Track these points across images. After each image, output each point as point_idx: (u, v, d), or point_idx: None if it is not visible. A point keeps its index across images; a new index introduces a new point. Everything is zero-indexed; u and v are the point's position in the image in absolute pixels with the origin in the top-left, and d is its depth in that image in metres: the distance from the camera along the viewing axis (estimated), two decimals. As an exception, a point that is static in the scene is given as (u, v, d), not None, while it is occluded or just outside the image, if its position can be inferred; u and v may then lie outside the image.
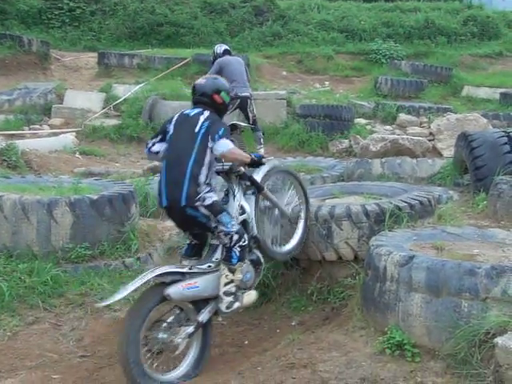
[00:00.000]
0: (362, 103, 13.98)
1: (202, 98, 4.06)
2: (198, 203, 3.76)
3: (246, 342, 4.38)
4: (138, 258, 5.15)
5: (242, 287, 3.96)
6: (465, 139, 6.92)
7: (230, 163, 4.01)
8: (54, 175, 7.05)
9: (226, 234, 3.84)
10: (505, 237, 4.16)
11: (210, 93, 4.06)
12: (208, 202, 3.79)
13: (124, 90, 13.85)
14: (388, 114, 13.47)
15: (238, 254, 3.87)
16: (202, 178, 3.81)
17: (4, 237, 4.83)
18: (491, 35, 20.40)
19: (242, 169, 4.10)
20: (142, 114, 12.39)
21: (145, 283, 3.64)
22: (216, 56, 9.74)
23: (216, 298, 3.88)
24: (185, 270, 3.80)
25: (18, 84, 14.22)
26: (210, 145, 3.83)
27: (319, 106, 12.25)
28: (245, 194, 4.16)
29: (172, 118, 4.09)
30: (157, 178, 7.62)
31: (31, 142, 10.35)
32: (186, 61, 15.87)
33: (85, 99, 13.42)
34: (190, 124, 3.93)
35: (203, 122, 3.90)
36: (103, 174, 8.85)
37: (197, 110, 4.02)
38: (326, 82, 16.97)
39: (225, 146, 3.83)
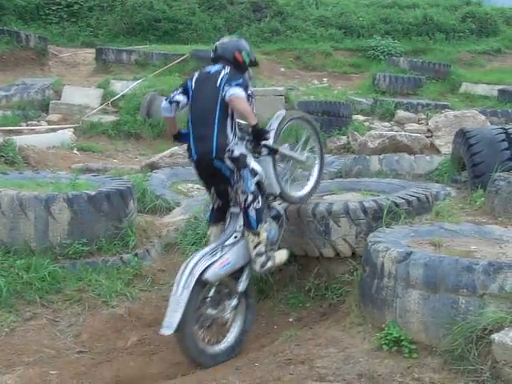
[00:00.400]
0: (360, 100, 13.99)
1: (224, 55, 4.17)
2: (226, 154, 3.91)
3: (244, 338, 4.38)
4: (136, 254, 5.15)
5: (270, 244, 4.16)
6: (463, 136, 6.93)
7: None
8: (52, 171, 7.02)
9: (243, 191, 4.01)
10: (502, 233, 4.16)
11: (232, 50, 4.18)
12: (236, 154, 3.96)
13: (122, 86, 13.83)
14: (386, 111, 13.48)
15: (255, 216, 4.03)
16: (229, 129, 3.95)
17: (1, 232, 4.82)
18: (489, 32, 20.43)
19: (248, 137, 4.09)
20: (139, 110, 12.38)
21: (192, 289, 3.77)
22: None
23: (249, 263, 4.09)
24: (217, 256, 3.94)
25: (15, 80, 14.20)
26: (225, 89, 3.91)
27: (317, 102, 12.24)
28: (260, 155, 4.22)
29: (193, 76, 4.20)
30: (154, 174, 7.66)
31: (29, 138, 10.34)
32: (184, 57, 15.85)
33: (82, 95, 13.39)
34: (211, 80, 4.04)
35: (223, 76, 4.00)
36: (101, 170, 8.84)
37: (217, 67, 4.12)
38: (324, 79, 16.97)
39: (237, 92, 3.88)
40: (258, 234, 4.04)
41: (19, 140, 9.47)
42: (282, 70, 17.24)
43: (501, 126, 7.70)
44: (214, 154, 3.91)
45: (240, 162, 3.98)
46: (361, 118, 13.06)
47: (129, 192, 5.34)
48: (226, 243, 4.08)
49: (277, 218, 4.36)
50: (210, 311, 3.95)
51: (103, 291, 4.70)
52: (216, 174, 4.02)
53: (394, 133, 10.48)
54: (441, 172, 7.75)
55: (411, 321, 3.43)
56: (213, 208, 4.30)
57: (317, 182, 4.75)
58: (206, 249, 4.04)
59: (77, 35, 18.83)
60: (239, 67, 4.17)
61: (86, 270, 4.82)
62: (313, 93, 14.16)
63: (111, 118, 12.59)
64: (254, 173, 4.10)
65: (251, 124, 3.96)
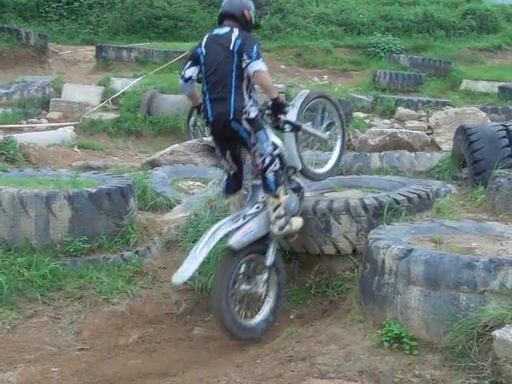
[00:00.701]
0: (361, 97, 13.98)
1: (232, 11, 4.15)
2: (243, 116, 3.99)
3: (245, 335, 4.39)
4: (137, 252, 5.14)
5: (290, 213, 4.26)
6: (463, 133, 6.92)
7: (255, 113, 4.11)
8: (53, 169, 7.04)
9: (261, 154, 4.09)
10: (503, 230, 4.16)
11: (240, 7, 4.17)
12: (252, 115, 4.03)
13: (122, 84, 13.84)
14: (386, 108, 13.49)
15: (273, 179, 4.13)
16: (245, 91, 4.02)
17: (2, 230, 4.82)
18: (490, 29, 20.41)
19: (268, 111, 4.18)
20: (140, 108, 12.39)
21: (211, 249, 4.01)
22: None
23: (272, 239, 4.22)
24: (239, 223, 4.09)
25: (15, 77, 14.20)
26: (246, 60, 3.94)
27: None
28: (283, 131, 4.31)
29: (200, 43, 4.19)
30: (155, 171, 7.66)
31: (29, 136, 10.34)
32: (184, 54, 15.80)
33: (83, 93, 13.40)
34: (222, 42, 4.05)
35: (236, 40, 4.01)
36: (101, 168, 8.85)
37: (226, 29, 4.11)
38: (325, 76, 16.96)
39: (261, 68, 3.97)
40: (277, 196, 4.14)
41: (20, 138, 9.47)
42: (283, 67, 17.24)
43: (501, 122, 7.69)
44: (231, 115, 3.98)
45: (256, 124, 4.06)
46: (361, 115, 13.06)
47: (129, 189, 5.33)
48: (248, 213, 4.19)
49: (297, 190, 4.45)
50: (244, 287, 4.12)
51: (104, 288, 4.70)
52: (233, 136, 4.10)
53: (394, 130, 10.49)
54: (441, 169, 7.73)
55: (412, 317, 3.43)
56: (228, 176, 4.37)
57: (338, 160, 4.92)
58: (228, 218, 4.17)
59: (77, 33, 18.84)
60: (246, 26, 4.18)
61: (87, 267, 4.82)
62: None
63: (111, 115, 12.59)
64: (274, 146, 4.18)
65: (272, 97, 4.05)
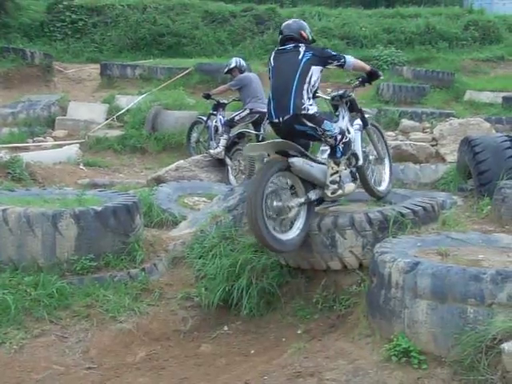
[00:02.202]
0: (365, 109, 13.96)
1: (291, 34, 4.71)
2: (303, 112, 4.43)
3: (253, 352, 4.37)
4: (143, 269, 5.15)
5: (343, 183, 4.67)
6: (468, 144, 6.92)
7: (342, 91, 4.86)
8: (59, 187, 7.06)
9: (331, 136, 4.56)
10: (510, 241, 4.15)
11: (298, 30, 4.75)
12: (311, 111, 4.48)
13: (127, 101, 13.91)
14: (390, 120, 13.47)
15: (341, 149, 4.63)
16: (305, 93, 4.48)
17: (9, 250, 4.84)
18: (492, 39, 20.44)
19: (353, 94, 4.86)
20: (144, 124, 12.43)
21: (272, 145, 4.44)
22: (239, 69, 9.78)
23: (321, 187, 4.58)
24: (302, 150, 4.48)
25: (21, 97, 14.29)
26: (337, 63, 4.64)
27: (322, 113, 12.23)
28: (352, 125, 4.87)
29: (269, 59, 4.75)
30: (160, 188, 7.68)
31: (35, 155, 10.39)
32: (188, 70, 15.93)
33: (88, 111, 13.47)
34: (290, 55, 4.59)
35: (305, 52, 4.55)
36: (107, 185, 8.87)
37: (291, 45, 4.65)
38: (328, 89, 16.98)
39: (351, 61, 4.72)
40: (338, 164, 4.59)
41: (26, 156, 9.51)
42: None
43: (506, 133, 7.69)
44: (292, 111, 4.42)
45: (316, 120, 4.50)
46: (366, 128, 13.05)
47: (135, 207, 5.35)
48: (313, 157, 4.63)
49: (353, 176, 4.85)
50: (277, 203, 4.37)
51: (111, 306, 4.70)
52: (299, 135, 4.53)
53: (398, 142, 10.49)
54: (446, 181, 7.73)
55: (420, 331, 3.42)
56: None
57: (391, 180, 5.33)
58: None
59: (81, 51, 18.96)
60: (305, 44, 4.71)
61: (94, 285, 4.83)
62: (317, 104, 14.17)
63: (117, 132, 12.64)
64: (345, 134, 4.68)
65: (367, 70, 4.88)
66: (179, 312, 4.86)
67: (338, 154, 4.60)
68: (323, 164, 4.64)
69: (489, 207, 5.83)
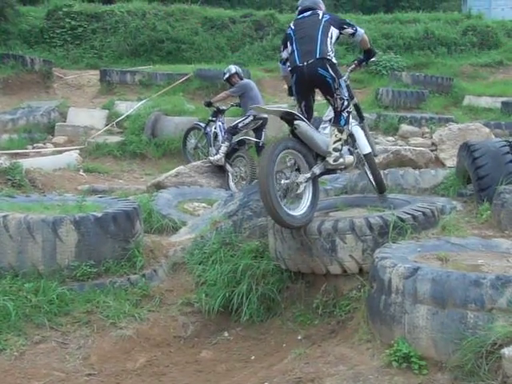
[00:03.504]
0: (364, 115, 13.99)
1: (311, 6, 5.04)
2: (327, 57, 4.71)
3: (253, 358, 4.37)
4: (144, 275, 5.15)
5: (344, 154, 4.86)
6: (467, 149, 6.92)
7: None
8: (59, 193, 7.07)
9: (341, 98, 4.79)
10: (509, 247, 4.15)
11: (316, 2, 5.09)
12: (334, 60, 4.78)
13: (126, 107, 13.94)
14: (390, 126, 13.50)
15: (345, 118, 4.84)
16: (329, 43, 4.78)
17: (10, 256, 4.84)
18: (491, 44, 20.48)
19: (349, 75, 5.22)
20: (144, 130, 12.45)
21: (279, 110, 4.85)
22: (239, 75, 9.79)
23: (323, 159, 4.78)
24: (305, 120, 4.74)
25: (21, 103, 14.33)
26: (351, 30, 4.94)
27: (321, 118, 12.25)
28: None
29: (289, 27, 5.04)
30: (160, 194, 7.69)
31: (35, 161, 10.40)
32: (187, 76, 15.97)
33: (88, 117, 13.50)
34: (310, 17, 4.93)
35: (324, 15, 4.92)
36: (107, 191, 8.88)
37: (309, 12, 4.98)
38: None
39: (362, 32, 5.03)
40: (341, 132, 4.79)
41: (26, 163, 9.52)
42: (285, 87, 17.27)
43: (505, 138, 7.68)
44: (318, 55, 4.69)
45: (336, 70, 4.77)
46: (365, 133, 13.07)
47: (135, 213, 5.36)
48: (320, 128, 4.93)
49: (350, 152, 5.03)
50: (284, 181, 4.58)
51: (111, 313, 4.70)
52: (318, 82, 4.76)
53: (398, 147, 10.49)
54: (446, 186, 7.71)
55: (420, 337, 3.42)
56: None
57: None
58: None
59: (81, 57, 19.00)
60: None
61: (94, 291, 4.83)
62: (317, 109, 14.19)
63: (116, 138, 12.67)
64: (349, 103, 4.93)
65: (368, 47, 5.17)
66: (179, 318, 4.87)
67: (342, 122, 4.82)
68: (326, 134, 4.91)
69: (488, 212, 5.83)
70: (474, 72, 18.58)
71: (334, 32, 4.85)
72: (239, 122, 9.48)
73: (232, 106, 10.36)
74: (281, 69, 5.30)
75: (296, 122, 4.62)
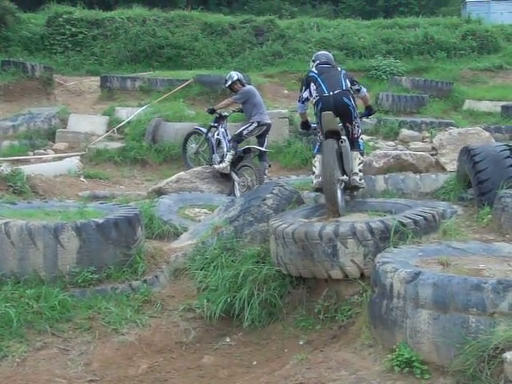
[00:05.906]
0: (364, 120, 14.00)
1: (329, 61, 5.77)
2: (351, 90, 5.47)
3: (255, 363, 4.37)
4: (145, 281, 5.15)
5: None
6: (467, 153, 6.93)
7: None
8: (60, 199, 7.08)
9: (358, 126, 5.53)
10: (510, 250, 4.16)
11: (331, 59, 5.85)
12: (354, 97, 5.51)
13: (127, 113, 13.94)
14: (390, 130, 13.50)
15: (361, 143, 5.69)
16: (349, 85, 5.50)
17: (11, 263, 4.85)
18: (490, 49, 20.53)
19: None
20: (145, 136, 12.46)
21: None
22: (241, 81, 9.75)
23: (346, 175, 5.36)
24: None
25: (21, 110, 14.33)
26: (357, 87, 5.70)
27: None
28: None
29: (309, 72, 5.64)
30: (161, 199, 7.69)
31: (36, 167, 10.40)
32: (187, 82, 15.98)
33: (88, 123, 13.49)
34: (331, 68, 5.67)
35: (341, 70, 5.71)
36: (108, 197, 8.88)
37: (329, 65, 5.71)
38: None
39: (364, 91, 5.84)
40: (362, 154, 5.60)
41: (27, 169, 9.52)
42: (285, 92, 17.34)
43: (505, 142, 7.69)
44: (343, 87, 5.38)
45: (355, 104, 5.46)
46: (365, 137, 13.02)
47: (136, 219, 5.36)
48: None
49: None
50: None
51: (113, 319, 4.70)
52: (342, 109, 5.32)
53: (398, 152, 10.48)
54: (447, 190, 7.73)
55: (422, 341, 3.42)
56: (320, 143, 5.40)
57: None
58: None
59: (81, 64, 19.03)
60: None
61: (96, 297, 4.83)
62: (317, 114, 14.19)
63: (117, 144, 12.67)
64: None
65: (368, 104, 6.05)
66: (181, 324, 4.86)
67: (361, 147, 5.62)
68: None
69: (489, 216, 5.83)
70: (473, 76, 18.61)
71: (348, 82, 5.54)
72: (244, 130, 9.40)
73: (234, 111, 10.34)
74: (298, 107, 5.88)
75: (343, 137, 5.25)
